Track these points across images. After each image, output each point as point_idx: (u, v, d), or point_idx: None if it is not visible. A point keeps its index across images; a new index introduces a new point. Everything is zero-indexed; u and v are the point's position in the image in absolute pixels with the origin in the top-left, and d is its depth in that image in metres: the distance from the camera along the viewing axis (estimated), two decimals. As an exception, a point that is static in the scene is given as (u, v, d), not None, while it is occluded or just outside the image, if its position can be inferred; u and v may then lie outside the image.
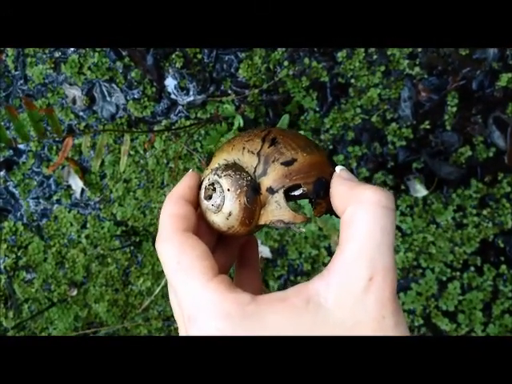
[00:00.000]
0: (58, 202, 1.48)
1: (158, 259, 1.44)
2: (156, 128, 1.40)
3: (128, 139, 1.14)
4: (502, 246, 1.27)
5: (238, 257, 0.43)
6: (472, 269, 1.28)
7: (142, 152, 1.42)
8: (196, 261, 0.33)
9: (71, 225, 1.48)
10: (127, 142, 1.14)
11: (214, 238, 0.40)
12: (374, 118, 1.30)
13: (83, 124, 1.44)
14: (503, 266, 1.27)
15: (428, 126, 1.27)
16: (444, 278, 1.29)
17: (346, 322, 0.30)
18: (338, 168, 0.37)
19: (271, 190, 0.37)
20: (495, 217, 1.26)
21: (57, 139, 1.43)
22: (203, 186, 0.39)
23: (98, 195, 1.46)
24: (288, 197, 0.37)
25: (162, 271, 1.43)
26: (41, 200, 1.49)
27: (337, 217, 0.37)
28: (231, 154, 0.39)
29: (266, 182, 0.37)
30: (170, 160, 1.41)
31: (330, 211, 0.38)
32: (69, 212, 1.48)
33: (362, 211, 0.32)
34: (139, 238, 1.44)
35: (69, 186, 1.47)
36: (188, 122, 1.37)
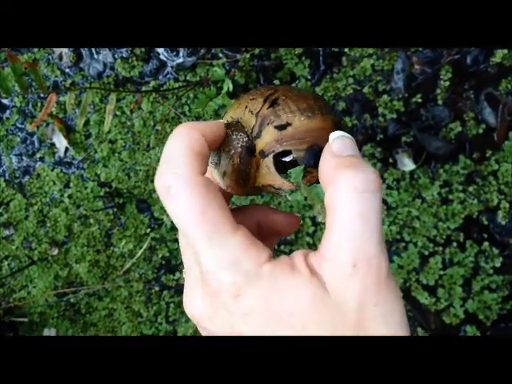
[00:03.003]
0: (42, 159, 1.46)
1: (141, 222, 1.43)
2: (143, 89, 1.37)
3: (114, 99, 1.12)
4: (485, 223, 1.27)
5: None
6: (454, 244, 1.29)
7: (128, 113, 1.39)
8: (221, 212, 0.31)
9: (54, 183, 1.46)
10: (113, 101, 1.12)
11: None
12: (365, 89, 1.28)
13: (69, 81, 1.40)
14: (485, 243, 1.27)
15: (420, 100, 1.26)
16: (426, 253, 1.30)
17: (341, 307, 0.30)
18: (332, 136, 0.35)
19: (263, 154, 0.36)
20: (481, 194, 1.26)
21: (42, 95, 1.40)
22: None
23: (82, 155, 1.43)
24: (279, 162, 0.36)
25: (145, 234, 1.43)
26: (24, 157, 1.46)
27: None
28: (236, 112, 0.38)
29: (259, 145, 0.36)
30: (156, 122, 1.38)
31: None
32: (52, 170, 1.45)
33: (339, 198, 0.31)
34: (123, 199, 1.43)
35: (52, 144, 1.45)
36: (176, 84, 1.35)
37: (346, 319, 0.29)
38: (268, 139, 0.35)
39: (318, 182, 0.36)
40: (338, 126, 0.36)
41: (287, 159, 0.36)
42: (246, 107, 0.37)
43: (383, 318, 0.30)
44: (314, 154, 0.35)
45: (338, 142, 0.34)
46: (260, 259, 0.30)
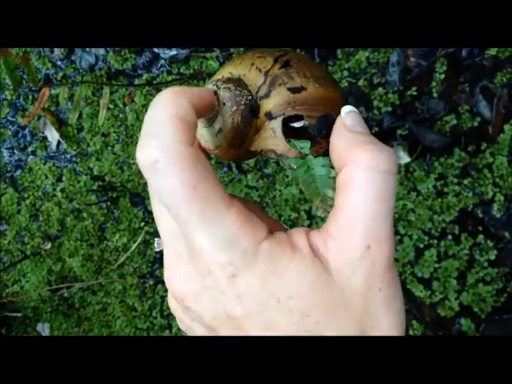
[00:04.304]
0: (33, 153, 1.44)
1: (135, 216, 1.42)
2: (137, 82, 1.36)
3: (107, 92, 1.11)
4: (480, 216, 1.27)
5: None
6: (449, 237, 1.29)
7: (121, 106, 1.38)
8: (214, 186, 0.28)
9: (46, 177, 1.44)
10: (106, 95, 1.11)
11: None
12: (360, 82, 1.27)
13: (61, 74, 1.39)
14: (480, 236, 1.27)
15: (415, 93, 1.26)
16: (421, 246, 1.30)
17: (344, 289, 0.29)
18: (344, 110, 0.33)
19: (270, 115, 0.33)
20: (476, 187, 1.26)
21: (33, 88, 1.38)
22: None
23: (75, 148, 1.42)
24: (286, 127, 0.33)
25: (139, 228, 1.42)
26: (15, 151, 1.45)
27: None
28: (238, 68, 0.35)
29: (266, 106, 0.33)
30: (150, 115, 1.37)
31: (329, 155, 0.34)
32: (44, 164, 1.44)
33: (357, 176, 0.29)
34: (116, 193, 1.42)
35: (44, 138, 1.43)
36: (170, 77, 1.34)
37: (350, 303, 0.29)
38: (278, 101, 0.33)
39: (325, 153, 0.34)
40: (346, 101, 0.35)
41: (297, 125, 0.33)
42: (253, 64, 0.35)
43: (386, 304, 0.29)
44: (326, 124, 0.33)
45: (351, 117, 0.32)
46: (257, 237, 0.29)
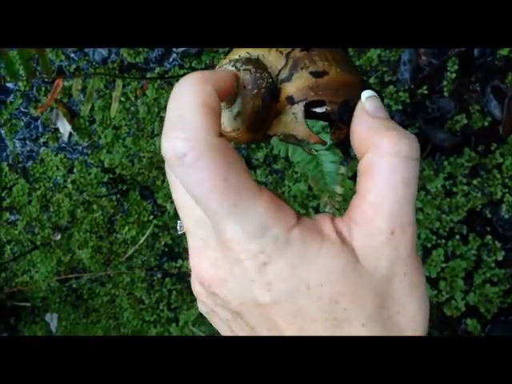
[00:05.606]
0: (45, 144, 1.45)
1: (144, 209, 1.43)
2: (149, 75, 1.37)
3: (120, 85, 1.11)
4: (489, 216, 1.27)
5: None
6: (457, 237, 1.29)
7: (133, 99, 1.39)
8: (243, 177, 0.27)
9: (57, 169, 1.45)
10: (119, 87, 1.11)
11: None
12: (371, 80, 1.27)
13: (74, 66, 1.40)
14: (488, 237, 1.27)
15: (426, 91, 1.26)
16: (429, 245, 1.30)
17: (373, 276, 0.29)
18: (364, 95, 0.32)
19: (291, 100, 0.32)
20: (485, 187, 1.26)
21: (46, 80, 1.39)
22: None
23: (86, 140, 1.43)
24: (307, 112, 0.33)
25: (148, 221, 1.43)
26: (27, 141, 1.46)
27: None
28: (257, 48, 0.34)
29: (287, 90, 0.33)
30: (161, 109, 1.38)
31: (349, 141, 0.33)
32: (55, 155, 1.45)
33: (381, 162, 0.29)
34: (126, 186, 1.43)
35: (56, 129, 1.44)
36: (182, 72, 1.34)
37: (377, 290, 0.29)
38: (300, 85, 0.32)
39: (346, 139, 0.34)
40: (366, 86, 0.34)
41: (318, 110, 0.33)
42: None
43: (411, 289, 0.30)
44: (348, 109, 0.32)
45: (371, 102, 0.32)
46: (288, 224, 0.28)
